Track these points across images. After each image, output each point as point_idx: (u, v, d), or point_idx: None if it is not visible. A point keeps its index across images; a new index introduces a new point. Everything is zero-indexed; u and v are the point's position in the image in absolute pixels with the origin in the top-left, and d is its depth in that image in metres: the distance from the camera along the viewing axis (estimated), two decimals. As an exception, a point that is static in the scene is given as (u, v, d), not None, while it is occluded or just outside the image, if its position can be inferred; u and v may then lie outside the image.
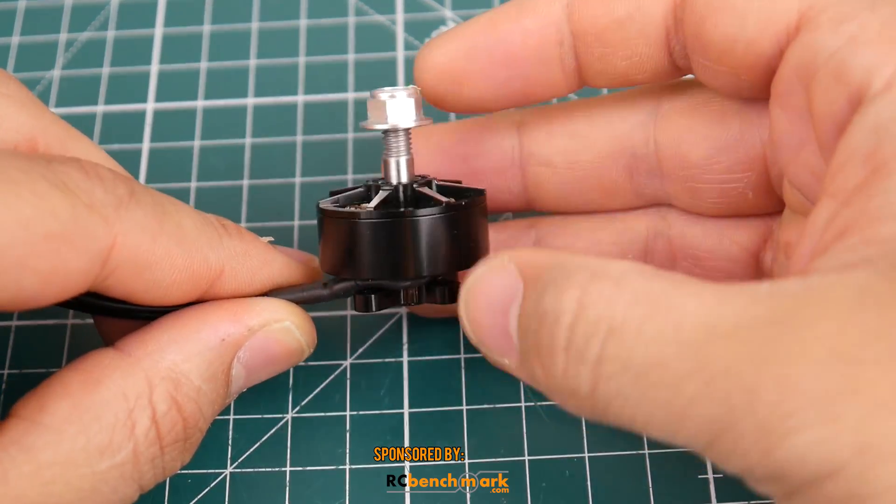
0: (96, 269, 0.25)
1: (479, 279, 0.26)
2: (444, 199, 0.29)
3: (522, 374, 0.25)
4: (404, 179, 0.30)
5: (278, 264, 0.30)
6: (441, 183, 0.31)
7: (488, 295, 0.25)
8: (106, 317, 0.30)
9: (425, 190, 0.30)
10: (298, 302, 0.30)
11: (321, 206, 0.30)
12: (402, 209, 0.29)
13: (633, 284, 0.22)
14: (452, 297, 0.30)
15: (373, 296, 0.30)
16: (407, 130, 0.30)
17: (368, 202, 0.29)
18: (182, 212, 0.28)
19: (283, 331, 0.29)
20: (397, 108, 0.30)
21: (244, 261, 0.29)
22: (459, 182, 0.31)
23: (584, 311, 0.22)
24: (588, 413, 0.23)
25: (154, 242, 0.26)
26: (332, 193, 0.31)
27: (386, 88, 0.30)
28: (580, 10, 0.29)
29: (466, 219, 0.29)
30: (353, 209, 0.29)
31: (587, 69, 0.30)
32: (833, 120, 0.24)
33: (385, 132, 0.30)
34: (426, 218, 0.28)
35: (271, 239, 0.30)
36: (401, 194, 0.30)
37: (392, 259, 0.29)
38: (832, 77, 0.24)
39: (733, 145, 0.30)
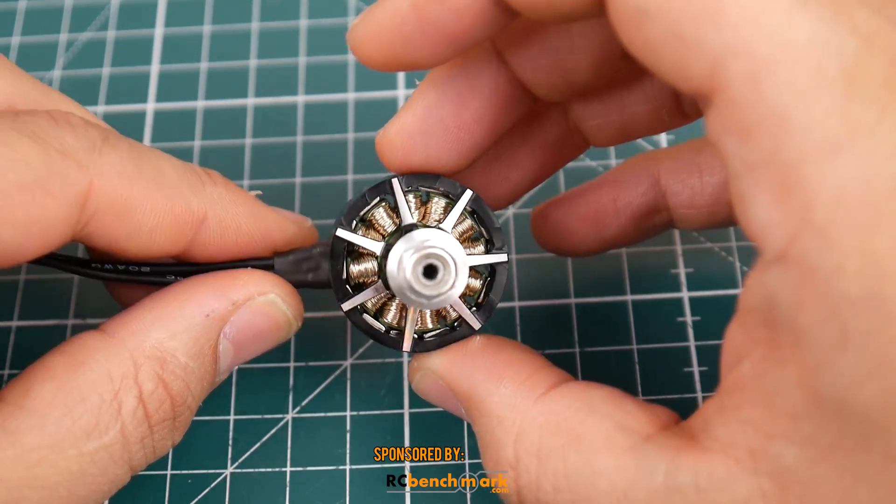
0: (75, 214, 0.25)
1: (421, 387, 0.29)
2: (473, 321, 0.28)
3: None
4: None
5: (267, 218, 0.29)
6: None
7: (435, 397, 0.29)
8: (102, 279, 0.30)
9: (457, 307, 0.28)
10: (303, 264, 0.29)
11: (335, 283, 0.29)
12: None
13: (551, 465, 0.25)
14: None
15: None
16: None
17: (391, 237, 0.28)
18: (161, 158, 0.27)
19: (268, 304, 0.28)
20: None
21: (230, 208, 0.28)
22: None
23: (522, 495, 0.26)
24: None
25: (132, 185, 0.26)
26: (350, 213, 0.29)
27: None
28: None
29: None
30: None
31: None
32: (750, 237, 0.22)
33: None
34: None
35: (259, 192, 0.30)
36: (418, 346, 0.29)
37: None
38: (736, 203, 0.22)
39: None
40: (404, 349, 0.28)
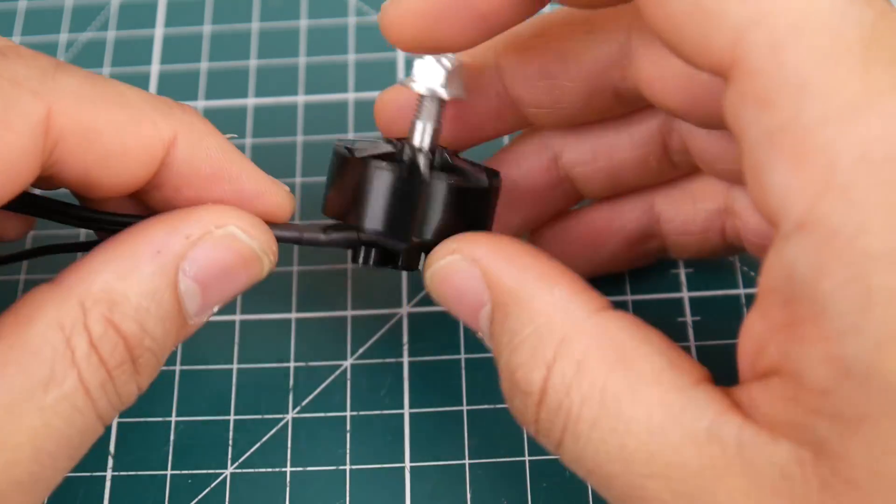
0: (39, 144, 0.24)
1: (443, 273, 0.27)
2: (475, 173, 0.29)
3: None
4: (427, 145, 0.29)
5: (238, 158, 0.28)
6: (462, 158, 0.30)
7: (455, 289, 0.27)
8: (83, 225, 0.29)
9: (459, 162, 0.29)
10: (293, 242, 0.28)
11: (345, 147, 0.29)
12: (430, 171, 0.28)
13: (590, 374, 0.24)
14: None
15: (373, 250, 0.29)
16: (443, 100, 0.29)
17: (392, 156, 0.29)
18: (123, 84, 0.27)
19: (227, 237, 0.27)
20: (444, 76, 0.29)
21: (200, 137, 0.27)
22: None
23: (546, 395, 0.24)
24: None
25: (94, 107, 0.25)
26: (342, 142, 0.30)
27: (435, 56, 0.29)
28: None
29: (486, 199, 0.29)
30: (378, 157, 0.28)
31: None
32: (762, 212, 0.22)
33: (424, 96, 0.29)
34: (452, 186, 0.27)
35: (234, 135, 0.29)
36: (434, 157, 0.29)
37: (404, 218, 0.28)
38: (751, 178, 0.22)
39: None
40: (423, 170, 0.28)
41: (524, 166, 0.32)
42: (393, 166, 0.28)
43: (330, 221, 0.29)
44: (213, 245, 0.26)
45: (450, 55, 0.29)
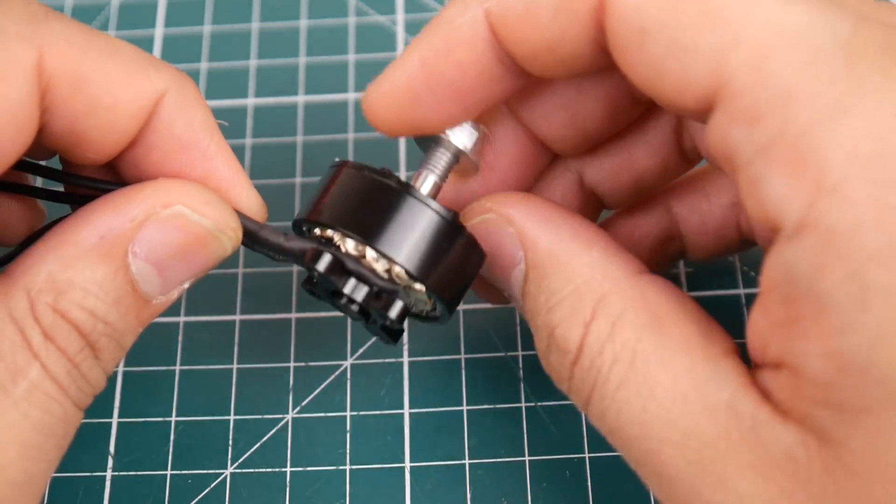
0: (35, 91, 0.24)
1: (477, 231, 0.27)
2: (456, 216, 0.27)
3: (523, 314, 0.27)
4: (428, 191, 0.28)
5: (217, 140, 0.27)
6: None
7: (488, 247, 0.27)
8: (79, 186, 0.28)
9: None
10: (248, 233, 0.27)
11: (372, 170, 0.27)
12: (416, 190, 0.27)
13: (623, 335, 0.24)
14: (391, 329, 0.28)
15: (329, 255, 0.27)
16: (457, 156, 0.29)
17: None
18: (118, 39, 0.26)
19: (175, 216, 0.25)
20: (476, 139, 0.28)
21: (188, 102, 0.26)
22: None
23: (582, 353, 0.25)
24: None
25: (85, 54, 0.25)
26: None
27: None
28: (506, 36, 0.26)
29: (464, 248, 0.27)
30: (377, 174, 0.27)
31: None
32: (758, 224, 0.23)
33: (442, 150, 0.28)
34: (432, 210, 0.26)
35: (224, 123, 0.28)
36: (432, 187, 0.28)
37: (373, 220, 0.26)
38: (748, 193, 0.22)
39: None
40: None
41: (553, 195, 0.31)
42: (391, 178, 0.27)
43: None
44: (161, 226, 0.25)
45: (481, 126, 0.28)
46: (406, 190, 0.26)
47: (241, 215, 0.27)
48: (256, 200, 0.28)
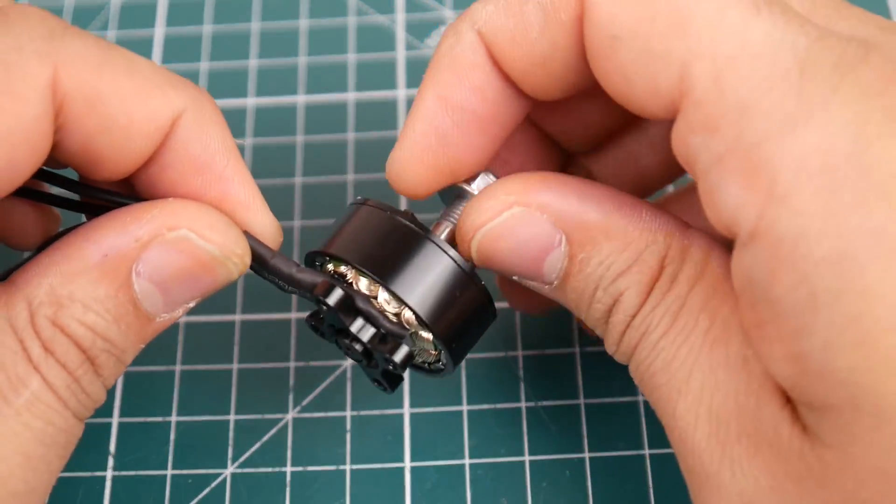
0: (49, 108, 0.24)
1: (502, 229, 0.26)
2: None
3: (552, 296, 0.27)
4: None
5: (235, 162, 0.27)
6: None
7: (518, 241, 0.26)
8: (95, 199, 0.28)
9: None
10: (258, 259, 0.27)
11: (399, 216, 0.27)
12: (435, 237, 0.27)
13: (677, 288, 0.25)
14: (392, 374, 0.28)
15: (340, 290, 0.27)
16: None
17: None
18: (135, 54, 0.26)
19: (180, 240, 0.25)
20: (482, 183, 0.28)
21: (206, 122, 0.26)
22: None
23: (640, 310, 0.25)
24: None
25: (101, 72, 0.24)
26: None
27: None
28: (500, 55, 0.26)
29: (474, 300, 0.27)
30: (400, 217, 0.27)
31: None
32: (720, 230, 0.23)
33: (458, 195, 0.28)
34: (449, 257, 0.26)
35: (242, 142, 0.28)
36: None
37: (389, 261, 0.26)
38: (706, 201, 0.23)
39: None
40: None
41: None
42: (415, 222, 0.26)
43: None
44: (166, 248, 0.25)
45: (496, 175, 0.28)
46: (426, 234, 0.26)
47: (254, 241, 0.27)
48: (272, 224, 0.27)
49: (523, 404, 0.34)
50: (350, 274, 0.27)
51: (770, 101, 0.21)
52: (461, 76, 0.26)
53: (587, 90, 0.27)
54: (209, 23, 0.43)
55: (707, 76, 0.22)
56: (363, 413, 0.34)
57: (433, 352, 0.27)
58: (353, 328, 0.26)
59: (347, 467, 0.33)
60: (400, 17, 0.42)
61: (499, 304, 0.34)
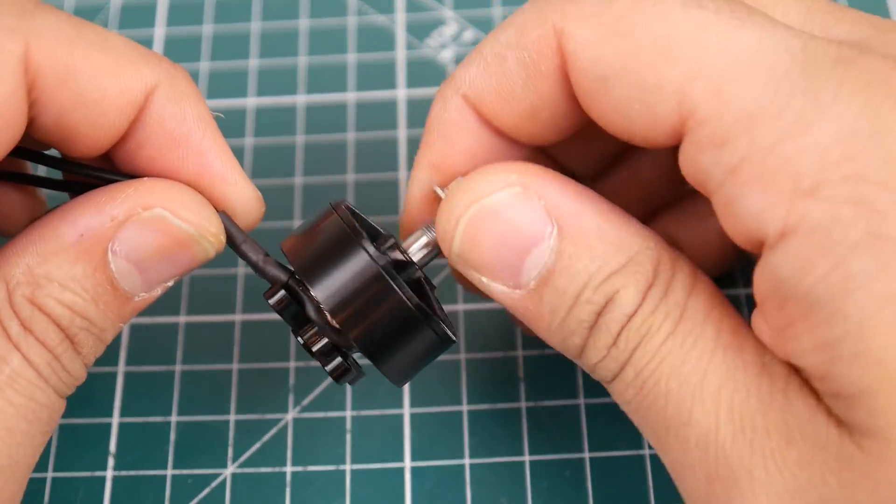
0: (21, 83, 0.24)
1: (495, 207, 0.25)
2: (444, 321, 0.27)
3: (519, 305, 0.26)
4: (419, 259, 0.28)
5: (211, 135, 0.27)
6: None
7: (503, 228, 0.25)
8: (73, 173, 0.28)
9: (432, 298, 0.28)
10: (230, 241, 0.27)
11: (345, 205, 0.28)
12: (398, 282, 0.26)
13: (675, 295, 0.24)
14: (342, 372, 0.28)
15: (289, 295, 0.27)
16: None
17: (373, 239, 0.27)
18: (108, 30, 0.26)
19: (155, 219, 0.25)
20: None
21: (180, 97, 0.26)
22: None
23: (635, 315, 0.24)
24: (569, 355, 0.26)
25: (72, 46, 0.24)
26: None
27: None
28: (489, 114, 0.27)
29: (424, 339, 0.27)
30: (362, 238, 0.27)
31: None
32: (741, 242, 0.23)
33: None
34: (365, 256, 0.26)
35: (220, 115, 0.28)
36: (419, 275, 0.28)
37: (343, 292, 0.26)
38: (724, 214, 0.23)
39: None
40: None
41: None
42: (376, 256, 0.26)
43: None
44: (141, 227, 0.25)
45: None
46: (357, 238, 0.26)
47: (228, 222, 0.27)
48: (252, 194, 0.27)
49: (523, 404, 0.34)
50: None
51: (777, 104, 0.21)
52: (450, 143, 0.27)
53: (585, 127, 0.27)
54: (209, 23, 0.43)
55: (707, 93, 0.22)
56: (363, 413, 0.34)
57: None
58: (300, 334, 0.27)
59: (347, 467, 0.33)
60: (400, 17, 0.42)
61: (499, 305, 0.34)
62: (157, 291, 0.26)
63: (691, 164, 0.23)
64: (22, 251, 0.25)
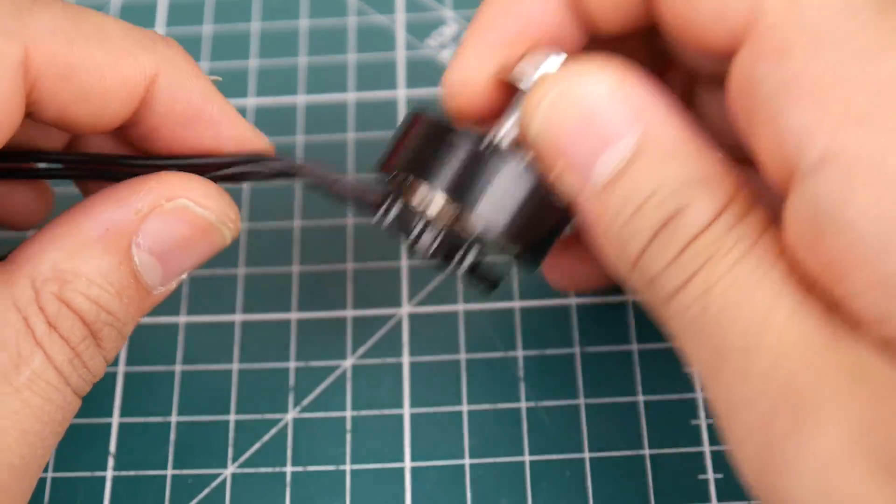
0: (19, 86, 0.24)
1: (592, 89, 0.24)
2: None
3: (585, 204, 0.25)
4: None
5: (218, 103, 0.28)
6: None
7: (589, 116, 0.24)
8: (73, 168, 0.29)
9: None
10: (320, 182, 0.28)
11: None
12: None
13: (751, 222, 0.23)
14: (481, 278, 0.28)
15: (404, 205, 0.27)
16: None
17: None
18: (105, 16, 0.26)
19: (179, 209, 0.26)
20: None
21: (182, 77, 0.27)
22: None
23: (706, 232, 0.23)
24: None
25: (71, 43, 0.25)
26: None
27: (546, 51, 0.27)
28: None
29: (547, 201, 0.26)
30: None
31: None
32: (774, 169, 0.23)
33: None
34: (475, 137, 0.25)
35: (217, 78, 0.28)
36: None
37: (428, 160, 0.26)
38: (764, 132, 0.23)
39: None
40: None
41: None
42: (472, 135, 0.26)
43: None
44: (165, 218, 0.26)
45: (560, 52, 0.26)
46: (455, 128, 0.26)
47: (321, 170, 0.28)
48: (267, 146, 0.29)
49: (523, 404, 0.34)
50: (409, 184, 0.27)
51: (846, 30, 0.21)
52: (523, 19, 0.27)
53: (642, 27, 0.26)
54: (209, 23, 0.43)
55: (782, 2, 0.22)
56: (363, 413, 0.34)
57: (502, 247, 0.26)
58: (414, 234, 0.27)
59: (347, 467, 0.33)
60: (400, 17, 0.42)
61: (499, 305, 0.34)
62: (173, 285, 0.27)
63: (744, 72, 0.23)
64: (46, 248, 0.25)
